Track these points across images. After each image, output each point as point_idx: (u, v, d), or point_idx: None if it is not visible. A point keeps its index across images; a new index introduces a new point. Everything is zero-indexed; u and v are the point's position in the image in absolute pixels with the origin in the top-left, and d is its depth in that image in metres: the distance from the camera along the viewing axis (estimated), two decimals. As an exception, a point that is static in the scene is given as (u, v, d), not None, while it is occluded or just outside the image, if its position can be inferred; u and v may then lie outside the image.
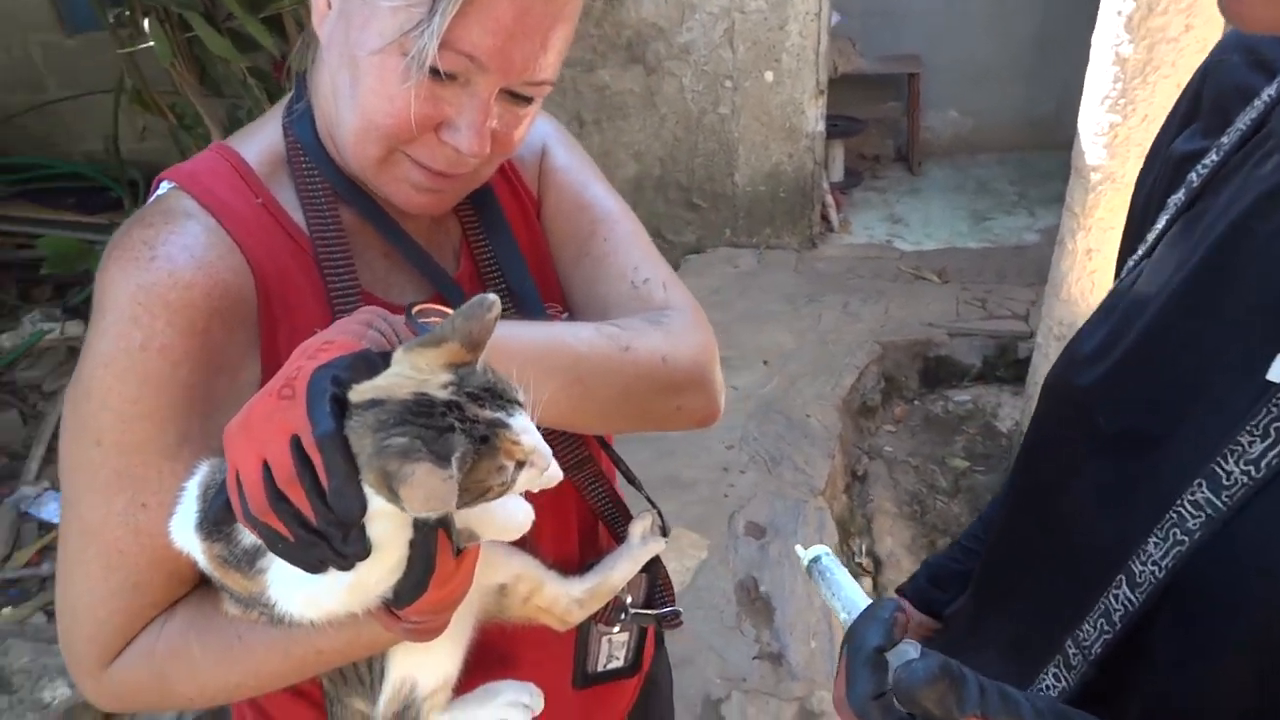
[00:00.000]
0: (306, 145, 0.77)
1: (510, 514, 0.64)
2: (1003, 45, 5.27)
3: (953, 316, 3.80)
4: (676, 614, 0.94)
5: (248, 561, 0.62)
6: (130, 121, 4.35)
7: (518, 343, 0.71)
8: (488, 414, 0.55)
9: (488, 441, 0.54)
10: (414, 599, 0.59)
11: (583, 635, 0.89)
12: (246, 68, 3.03)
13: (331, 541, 0.53)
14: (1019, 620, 0.71)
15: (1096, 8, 2.26)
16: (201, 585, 0.71)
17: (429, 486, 0.51)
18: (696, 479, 2.92)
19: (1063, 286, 2.58)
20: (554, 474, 0.69)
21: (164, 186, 0.74)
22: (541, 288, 0.87)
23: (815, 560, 0.61)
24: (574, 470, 0.88)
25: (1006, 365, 3.60)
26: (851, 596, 0.59)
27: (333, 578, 0.58)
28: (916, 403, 3.66)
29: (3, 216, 4.41)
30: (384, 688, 0.76)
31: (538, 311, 0.84)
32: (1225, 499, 0.54)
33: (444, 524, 0.58)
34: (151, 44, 2.98)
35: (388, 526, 0.56)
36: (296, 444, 0.52)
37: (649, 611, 0.92)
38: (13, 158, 4.66)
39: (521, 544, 0.83)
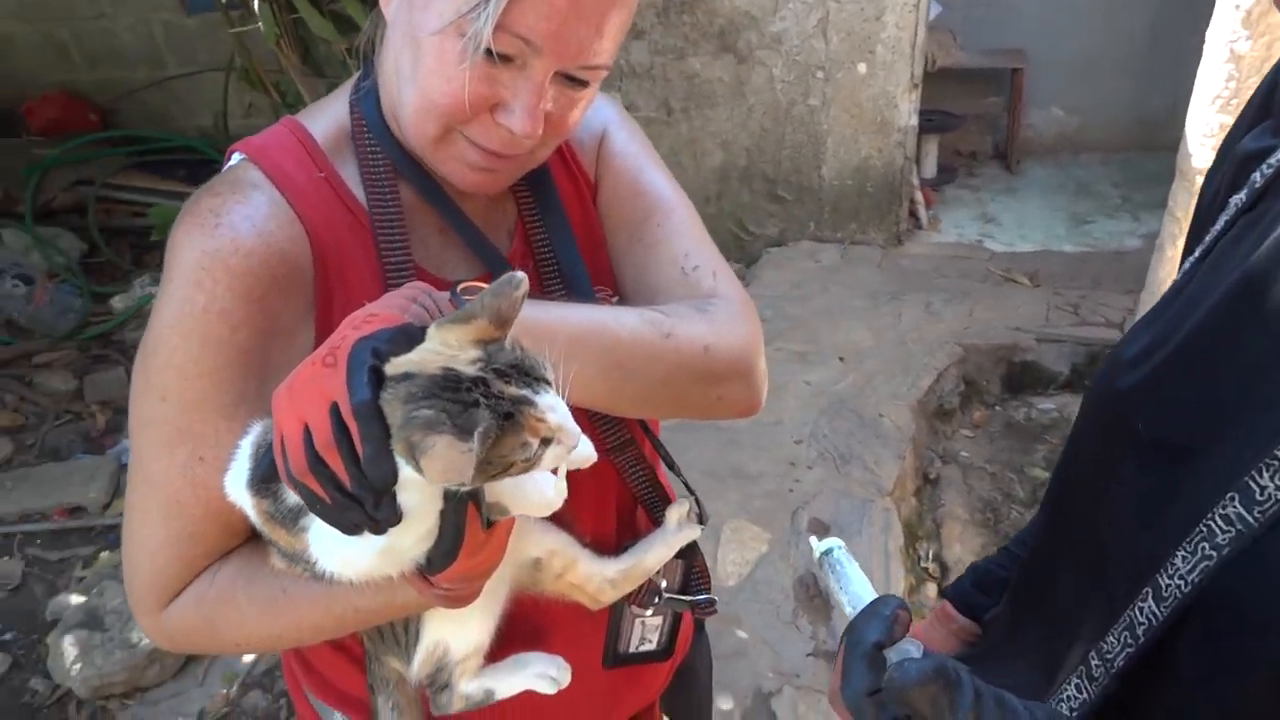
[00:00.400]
0: (370, 122, 0.80)
1: (541, 490, 0.65)
2: (1113, 40, 5.03)
3: (1042, 321, 3.66)
4: (711, 602, 0.94)
5: (291, 519, 0.65)
6: (238, 98, 4.56)
7: (560, 324, 0.72)
8: (513, 390, 0.57)
9: (512, 418, 0.56)
10: (445, 567, 0.61)
11: (615, 615, 0.91)
12: (346, 48, 3.14)
13: (364, 506, 0.56)
14: (1050, 629, 0.69)
15: (1214, 1, 2.14)
16: (252, 538, 0.75)
17: (448, 458, 0.53)
18: (763, 472, 2.90)
19: (1159, 294, 2.46)
20: (586, 453, 0.71)
21: (235, 157, 0.78)
22: (593, 271, 0.89)
23: (828, 552, 0.61)
24: (615, 453, 0.89)
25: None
26: (859, 591, 0.58)
27: (366, 540, 0.60)
28: (997, 408, 3.55)
29: (120, 186, 4.68)
30: (418, 650, 0.79)
31: (587, 294, 0.85)
32: (1257, 515, 0.52)
33: (474, 497, 0.60)
34: (260, 25, 3.11)
35: (420, 495, 0.59)
36: (335, 411, 0.55)
37: (683, 597, 0.93)
38: (132, 130, 4.93)
39: (558, 521, 0.85)
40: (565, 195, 0.90)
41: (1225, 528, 0.53)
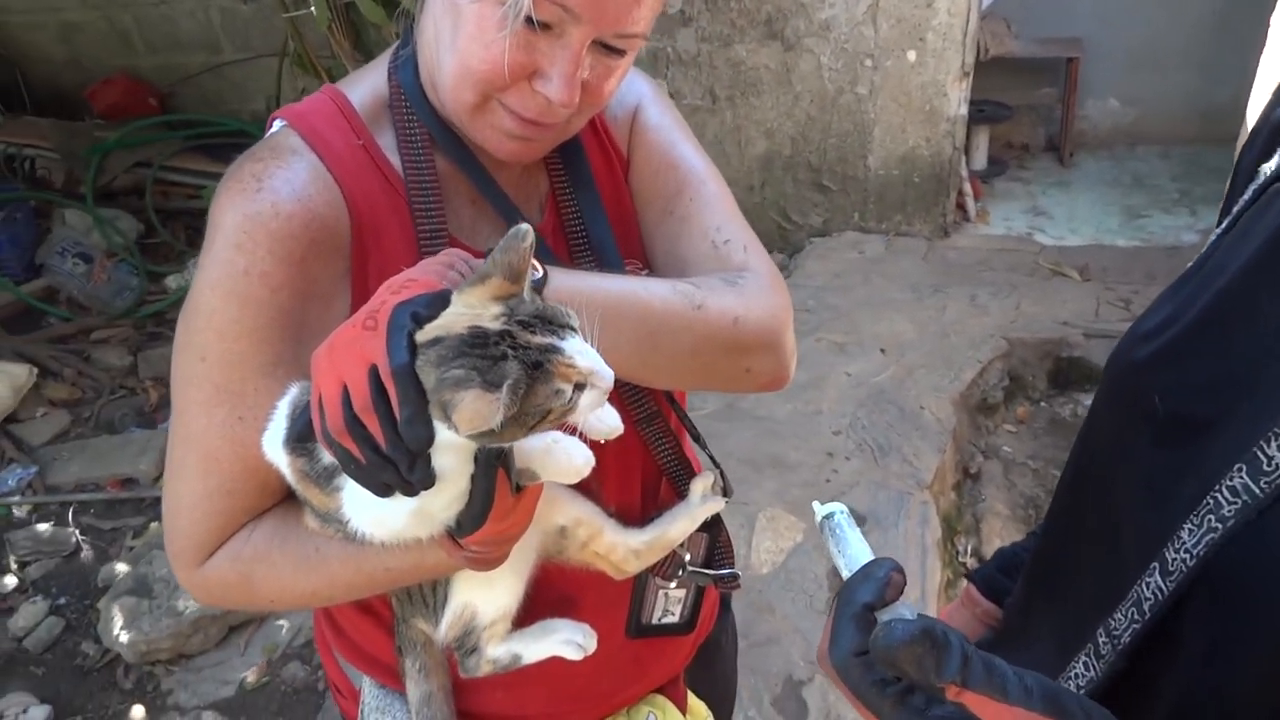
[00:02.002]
0: (408, 91, 0.81)
1: (569, 456, 0.66)
2: (1176, 29, 4.88)
3: (1091, 317, 3.58)
4: (735, 576, 0.94)
5: (325, 478, 0.67)
6: (291, 83, 4.64)
7: (592, 292, 0.73)
8: (539, 339, 0.58)
9: (541, 366, 0.57)
10: (474, 529, 0.63)
11: (639, 586, 0.92)
12: (396, 33, 3.17)
13: (399, 467, 0.57)
14: (1064, 609, 0.68)
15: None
16: (289, 497, 0.78)
17: (475, 408, 0.54)
18: (800, 462, 2.89)
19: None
20: (613, 425, 0.71)
21: (277, 124, 0.80)
22: (623, 244, 0.89)
23: (829, 516, 0.60)
24: (642, 424, 0.89)
25: (1147, 372, 3.37)
26: (856, 556, 0.58)
27: (399, 501, 0.62)
28: (1043, 404, 3.48)
29: (177, 168, 4.80)
30: (446, 612, 0.81)
31: (617, 267, 0.86)
32: (1264, 486, 0.50)
33: (504, 462, 0.61)
34: (312, 10, 3.16)
35: (453, 460, 0.60)
36: (374, 373, 0.56)
37: (707, 571, 0.93)
38: (189, 114, 5.05)
39: (585, 490, 0.86)
40: (597, 169, 0.90)
41: (1231, 499, 0.52)
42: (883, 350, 3.45)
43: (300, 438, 0.67)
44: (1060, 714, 0.47)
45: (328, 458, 0.65)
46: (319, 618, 0.97)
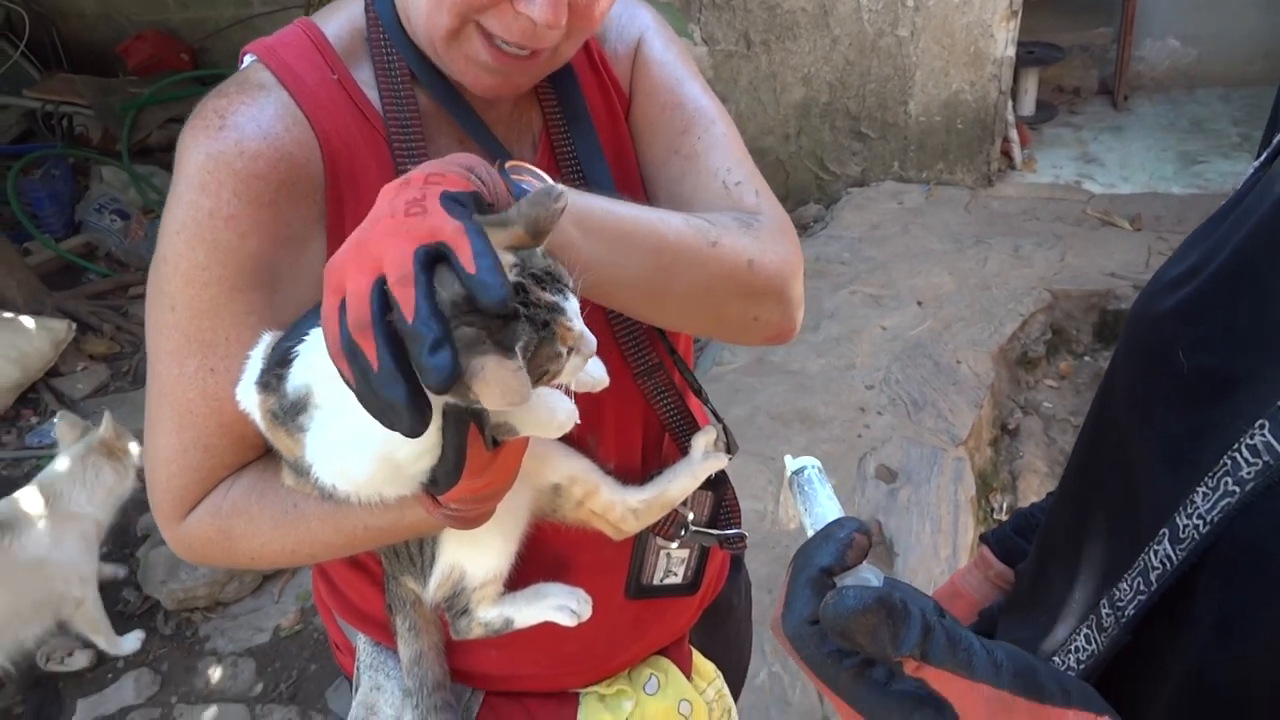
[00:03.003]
0: (386, 23, 0.76)
1: (551, 410, 0.62)
2: (1244, -37, 4.60)
3: (1141, 268, 3.43)
4: (741, 537, 0.91)
5: (290, 415, 0.62)
6: (320, 35, 4.59)
7: (605, 217, 0.68)
8: (548, 297, 0.54)
9: (548, 326, 0.54)
10: (450, 486, 0.59)
11: (640, 546, 0.88)
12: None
13: (419, 348, 0.48)
14: (1074, 577, 0.63)
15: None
16: (269, 452, 0.75)
17: (502, 381, 0.50)
18: (832, 417, 2.83)
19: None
20: (599, 375, 0.67)
21: (247, 59, 0.76)
22: (620, 184, 0.85)
23: (799, 471, 0.55)
24: (642, 377, 0.85)
25: (1198, 325, 3.24)
26: (824, 515, 0.52)
27: (362, 447, 0.58)
28: (1087, 358, 3.37)
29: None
30: (434, 571, 0.78)
31: None
32: None
33: (476, 415, 0.57)
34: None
35: None
36: (422, 252, 0.50)
37: (711, 531, 0.89)
38: (220, 69, 5.04)
39: (581, 447, 0.83)
40: (594, 106, 0.85)
41: (1251, 460, 0.46)
42: (920, 303, 3.36)
43: (279, 362, 0.62)
44: (1034, 692, 0.42)
45: (294, 390, 0.61)
46: (315, 574, 0.96)
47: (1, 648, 2.24)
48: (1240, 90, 4.83)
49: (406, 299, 0.49)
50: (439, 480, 0.60)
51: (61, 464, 2.37)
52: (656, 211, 0.73)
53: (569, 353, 0.56)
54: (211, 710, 2.35)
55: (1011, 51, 3.88)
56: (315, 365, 0.60)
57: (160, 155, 4.82)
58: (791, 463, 0.56)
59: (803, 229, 4.12)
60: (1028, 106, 4.59)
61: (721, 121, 0.86)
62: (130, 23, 5.10)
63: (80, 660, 2.48)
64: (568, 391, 0.63)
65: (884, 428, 2.78)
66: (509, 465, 0.63)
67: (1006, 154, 4.25)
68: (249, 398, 0.66)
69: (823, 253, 3.74)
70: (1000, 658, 0.42)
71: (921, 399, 2.88)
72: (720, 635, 1.09)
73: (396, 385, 0.49)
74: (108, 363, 3.66)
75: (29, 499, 2.30)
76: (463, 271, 0.49)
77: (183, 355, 0.71)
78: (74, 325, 3.58)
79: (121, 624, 2.56)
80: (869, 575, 0.46)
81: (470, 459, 0.57)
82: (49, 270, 4.11)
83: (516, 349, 0.51)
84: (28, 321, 3.40)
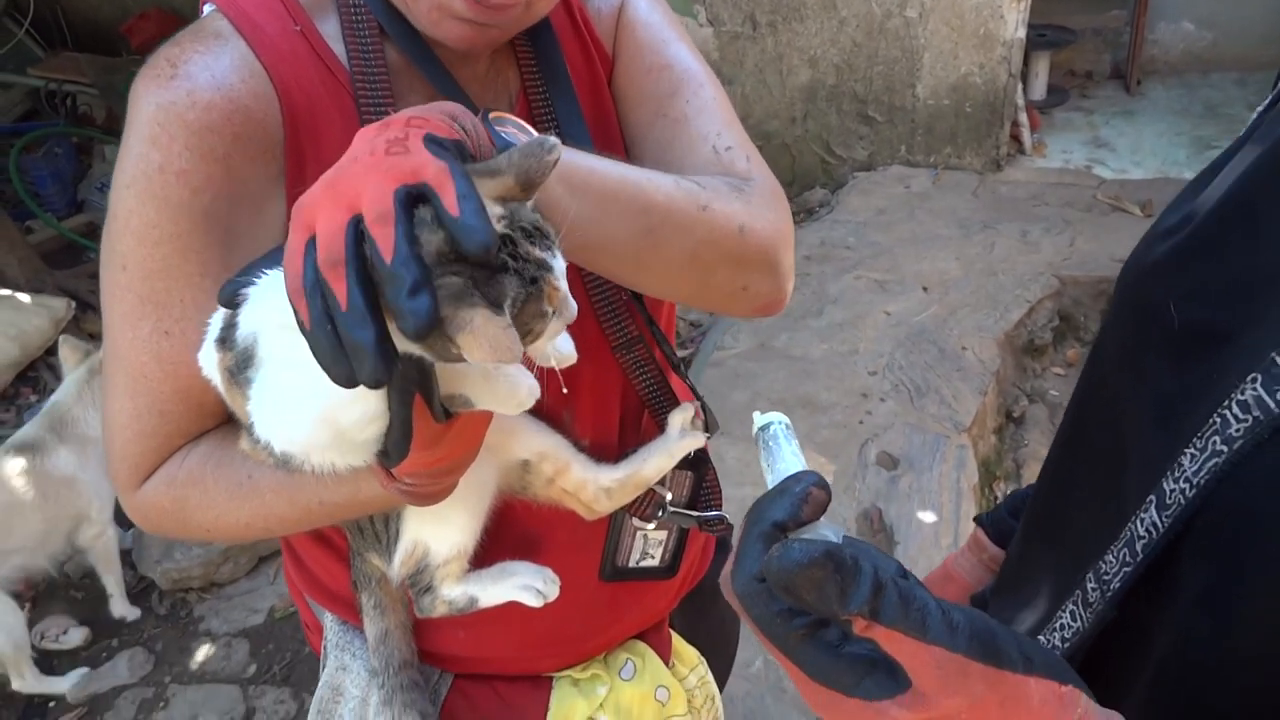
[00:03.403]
0: None
1: (512, 385, 0.58)
2: (1262, -56, 4.51)
3: (1151, 254, 3.38)
4: (721, 519, 0.88)
5: (240, 367, 0.58)
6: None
7: (591, 175, 0.65)
8: (537, 253, 0.51)
9: (536, 283, 0.51)
10: (400, 457, 0.56)
11: (615, 526, 0.85)
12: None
13: (396, 290, 0.44)
14: (1062, 552, 0.60)
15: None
16: (229, 421, 0.72)
17: (491, 335, 0.47)
18: (834, 402, 2.80)
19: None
20: (568, 351, 0.64)
21: (207, 8, 0.73)
22: (601, 149, 0.81)
23: (765, 427, 0.51)
24: (621, 350, 0.82)
25: (1208, 313, 3.18)
26: (786, 469, 0.49)
27: (304, 406, 0.55)
28: (1094, 346, 3.32)
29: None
30: (398, 548, 0.76)
31: None
32: None
33: (422, 385, 0.53)
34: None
35: None
36: (403, 191, 0.47)
37: (690, 512, 0.86)
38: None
39: (555, 422, 0.80)
40: (575, 67, 0.82)
41: (1241, 416, 0.43)
42: (925, 288, 3.31)
43: (229, 300, 0.58)
44: (992, 657, 0.39)
45: (245, 333, 0.57)
46: (285, 553, 0.93)
47: (36, 565, 2.36)
48: (1256, 74, 4.74)
49: (385, 238, 0.45)
50: (389, 452, 0.57)
51: (68, 389, 2.42)
52: (645, 172, 0.70)
53: (552, 314, 0.53)
54: (204, 690, 2.34)
55: (1022, 34, 3.81)
56: (263, 312, 0.56)
57: (163, 135, 4.79)
58: (759, 419, 0.53)
59: (808, 213, 4.07)
60: (1039, 90, 4.52)
61: (710, 85, 0.82)
62: (134, 2, 5.07)
63: (75, 638, 2.48)
64: (532, 366, 0.59)
65: (886, 414, 2.74)
66: (467, 440, 0.59)
67: (1016, 138, 4.19)
68: (209, 361, 0.63)
69: (828, 237, 3.70)
70: (957, 619, 0.39)
71: (925, 385, 2.84)
72: (705, 621, 1.06)
73: (366, 327, 0.45)
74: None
75: (47, 423, 2.38)
76: (446, 215, 0.46)
77: (136, 318, 0.68)
78: (74, 304, 3.57)
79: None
80: (827, 532, 0.42)
81: (418, 430, 0.54)
82: (50, 249, 4.10)
83: (505, 305, 0.48)
84: (26, 299, 3.39)
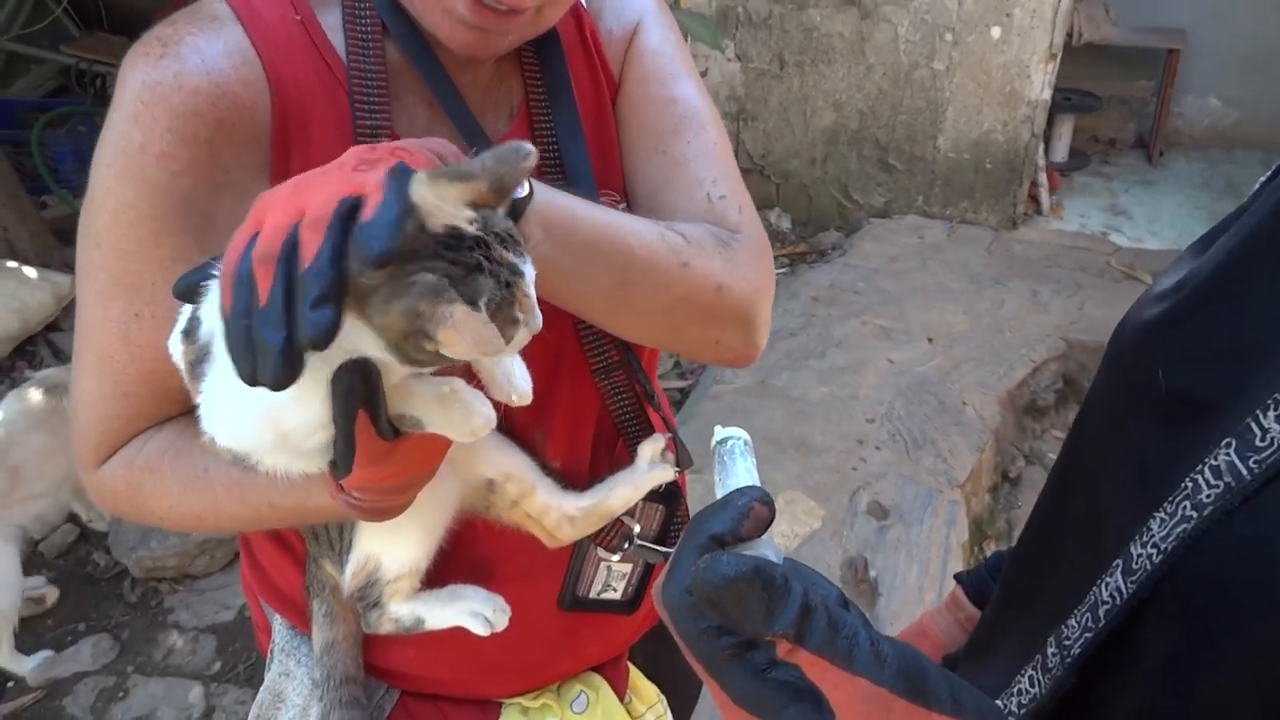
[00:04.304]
0: None
1: (467, 412, 0.55)
2: (1292, 26, 4.53)
3: (1160, 325, 3.36)
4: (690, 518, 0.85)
5: (198, 360, 0.56)
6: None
7: (575, 225, 0.65)
8: (510, 258, 0.50)
9: (510, 288, 0.49)
10: (345, 471, 0.54)
11: (579, 554, 0.83)
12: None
13: (302, 299, 0.44)
14: (1029, 613, 0.57)
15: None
16: (194, 409, 0.70)
17: (473, 329, 0.46)
18: (828, 446, 2.77)
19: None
20: (525, 389, 0.61)
21: None
22: (600, 171, 0.80)
23: (724, 442, 0.49)
24: (601, 374, 0.80)
25: (1214, 389, 3.15)
26: (735, 484, 0.47)
27: (250, 407, 0.53)
28: (1096, 412, 3.29)
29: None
30: (350, 559, 0.73)
31: (590, 194, 0.77)
32: (1253, 465, 0.40)
33: (367, 401, 0.51)
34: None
35: (305, 370, 0.50)
36: (347, 203, 0.46)
37: (657, 547, 0.84)
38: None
39: (525, 442, 0.78)
40: (580, 84, 0.80)
41: (1212, 483, 0.42)
42: (930, 339, 3.29)
43: (182, 292, 0.56)
44: (919, 695, 0.37)
45: (205, 333, 0.55)
46: (242, 549, 0.91)
47: (59, 502, 2.39)
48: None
49: (310, 243, 0.45)
50: (337, 463, 0.55)
51: None
52: (629, 221, 0.70)
53: (521, 322, 0.51)
54: (166, 684, 2.31)
55: (1047, 95, 3.82)
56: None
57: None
58: (719, 432, 0.51)
59: (820, 254, 4.07)
60: (1060, 153, 4.53)
61: (712, 126, 0.82)
62: (172, -9, 5.14)
63: (54, 596, 2.46)
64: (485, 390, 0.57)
65: (881, 463, 2.71)
66: (420, 461, 0.57)
67: (1034, 198, 4.19)
68: (176, 349, 0.61)
69: (837, 280, 3.69)
70: (886, 652, 0.37)
71: (922, 437, 2.81)
72: (667, 657, 1.02)
73: (277, 328, 0.44)
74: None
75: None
76: (360, 221, 0.45)
77: (107, 298, 0.67)
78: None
79: (88, 587, 2.53)
80: (767, 551, 0.40)
81: (360, 445, 0.52)
82: (63, 225, 4.10)
83: (480, 303, 0.47)
84: (31, 273, 3.39)
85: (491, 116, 0.78)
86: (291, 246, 0.45)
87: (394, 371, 0.51)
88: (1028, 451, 3.12)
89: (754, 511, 0.41)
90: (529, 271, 0.51)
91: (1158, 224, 4.22)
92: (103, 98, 4.82)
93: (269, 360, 0.44)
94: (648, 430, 0.83)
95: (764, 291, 0.76)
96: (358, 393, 0.49)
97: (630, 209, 0.82)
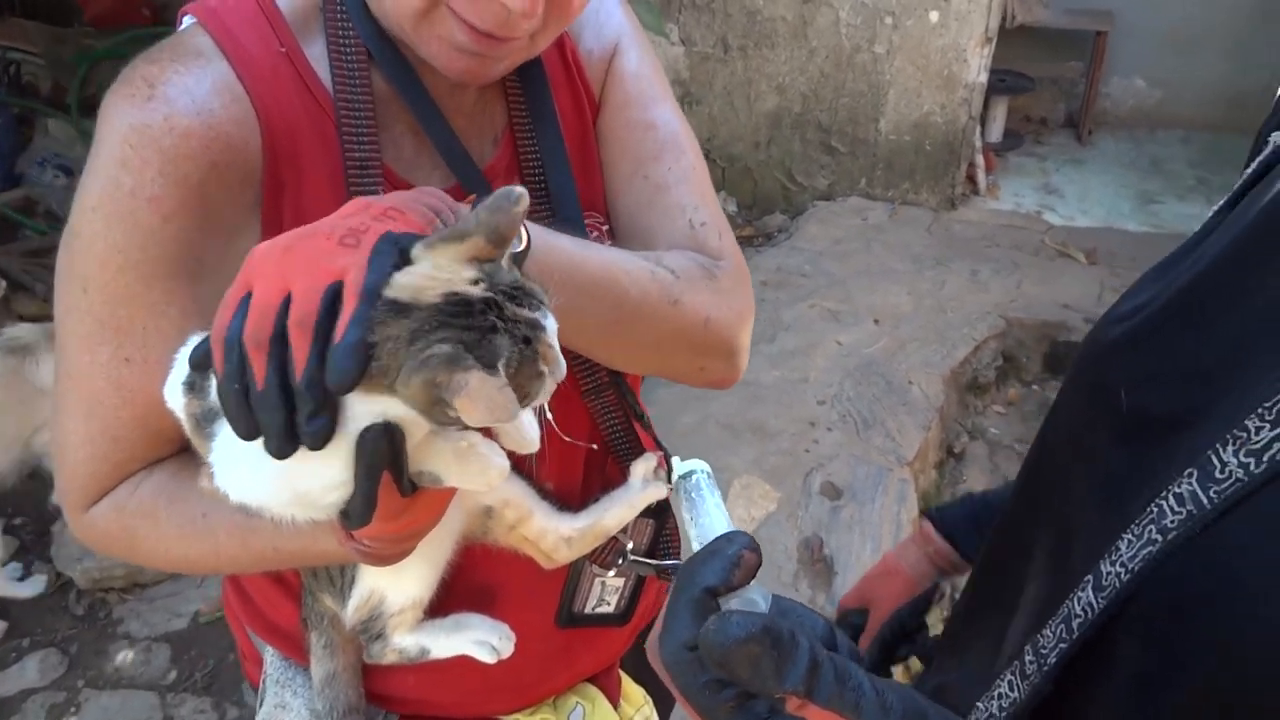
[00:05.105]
0: None
1: (484, 464, 0.57)
2: (1211, 10, 4.70)
3: (1094, 302, 3.49)
4: (678, 567, 0.87)
5: (207, 420, 0.57)
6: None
7: (570, 268, 0.66)
8: (526, 314, 0.50)
9: (529, 343, 0.50)
10: (359, 525, 0.54)
11: (575, 572, 0.84)
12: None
13: (299, 409, 0.47)
14: (1003, 617, 0.61)
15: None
16: (186, 451, 0.69)
17: (487, 397, 0.46)
18: (781, 430, 2.82)
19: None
20: (534, 438, 0.62)
21: (186, 21, 0.70)
22: (584, 193, 0.80)
23: (686, 476, 0.51)
24: (590, 395, 0.82)
25: (1145, 363, 3.30)
26: (712, 526, 0.48)
27: (264, 468, 0.53)
28: (1035, 387, 3.41)
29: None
30: (353, 594, 0.73)
31: (576, 219, 0.78)
32: (1213, 495, 0.43)
33: (393, 463, 0.52)
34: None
35: (336, 443, 0.50)
36: (332, 292, 0.47)
37: (649, 560, 0.85)
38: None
39: (520, 465, 0.78)
40: (563, 108, 0.80)
41: (1176, 509, 0.45)
42: (876, 321, 3.36)
43: (197, 364, 0.56)
44: None
45: (215, 395, 0.55)
46: (225, 578, 0.90)
47: (15, 458, 2.40)
48: (1200, 134, 4.95)
49: (298, 346, 0.47)
50: (350, 515, 0.55)
51: None
52: (624, 259, 0.71)
53: (547, 374, 0.52)
54: (119, 696, 2.25)
55: (984, 78, 3.91)
56: None
57: (111, 111, 4.63)
58: (680, 466, 0.52)
59: (766, 238, 4.11)
60: (995, 133, 4.65)
61: (690, 150, 0.84)
62: (89, -30, 4.90)
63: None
64: (494, 436, 0.58)
65: (832, 444, 2.77)
66: (430, 511, 0.58)
67: (971, 179, 4.29)
68: (176, 399, 0.60)
69: (784, 264, 3.73)
70: (891, 701, 0.39)
71: (871, 417, 2.88)
72: (642, 665, 1.05)
73: (275, 412, 0.47)
74: (39, 324, 3.50)
75: (45, 330, 2.47)
76: (331, 340, 0.46)
77: (95, 342, 0.65)
78: (4, 283, 3.42)
79: (30, 601, 2.45)
80: (756, 596, 0.42)
81: (383, 503, 0.52)
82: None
83: (499, 365, 0.48)
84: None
85: (477, 143, 0.77)
86: (280, 330, 0.47)
87: (417, 431, 0.51)
88: (970, 427, 3.22)
89: (744, 560, 0.43)
90: (550, 325, 0.52)
91: (1087, 202, 4.37)
92: (18, 88, 4.59)
93: (271, 438, 0.47)
94: (637, 448, 0.84)
95: (746, 318, 0.80)
96: (384, 455, 0.50)
97: (612, 229, 0.83)
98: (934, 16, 3.79)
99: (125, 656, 2.34)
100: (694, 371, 0.78)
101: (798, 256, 3.80)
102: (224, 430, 0.55)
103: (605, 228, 0.83)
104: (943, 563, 0.95)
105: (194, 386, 0.57)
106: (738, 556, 0.43)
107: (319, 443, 0.48)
